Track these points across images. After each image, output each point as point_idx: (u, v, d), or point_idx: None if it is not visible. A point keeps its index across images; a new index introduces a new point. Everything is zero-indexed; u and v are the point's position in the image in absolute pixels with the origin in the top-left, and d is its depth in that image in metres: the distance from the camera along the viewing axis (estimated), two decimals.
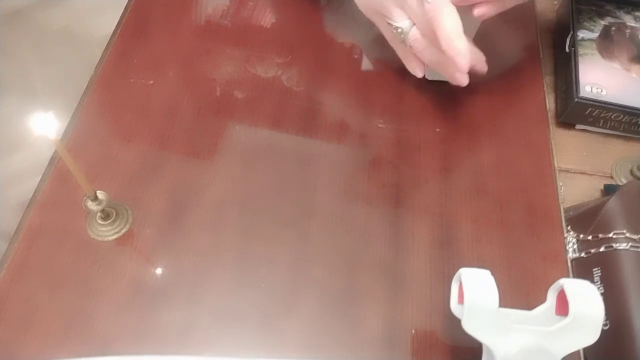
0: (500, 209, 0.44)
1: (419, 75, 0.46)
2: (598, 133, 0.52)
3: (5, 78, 1.44)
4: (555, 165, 0.47)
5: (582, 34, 0.53)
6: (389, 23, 0.43)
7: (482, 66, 0.44)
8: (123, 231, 0.41)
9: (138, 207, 0.42)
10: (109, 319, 0.37)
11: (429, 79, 0.50)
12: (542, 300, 0.34)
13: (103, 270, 0.39)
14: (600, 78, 0.50)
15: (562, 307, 0.33)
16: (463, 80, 0.43)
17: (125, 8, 0.54)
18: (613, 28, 0.54)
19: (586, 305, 0.32)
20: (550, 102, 0.52)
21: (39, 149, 1.30)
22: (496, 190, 0.45)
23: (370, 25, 0.47)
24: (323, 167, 0.45)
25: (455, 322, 0.33)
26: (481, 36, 0.46)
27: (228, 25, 0.54)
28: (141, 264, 0.40)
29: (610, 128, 0.51)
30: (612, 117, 0.49)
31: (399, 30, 0.43)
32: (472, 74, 0.43)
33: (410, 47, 0.43)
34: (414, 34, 0.42)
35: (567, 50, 0.53)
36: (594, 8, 0.56)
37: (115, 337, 0.36)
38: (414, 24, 0.42)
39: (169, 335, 0.37)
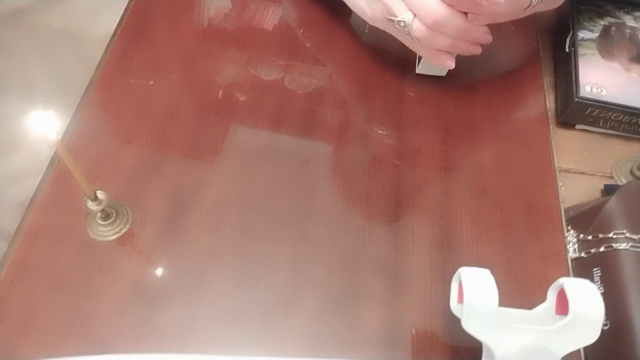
0: (501, 209, 0.44)
1: (452, 66, 0.45)
2: (598, 133, 0.52)
3: (5, 78, 1.44)
4: (556, 165, 0.47)
5: (582, 34, 0.53)
6: (391, 20, 0.43)
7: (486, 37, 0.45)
8: (123, 231, 0.41)
9: (138, 207, 0.42)
10: (109, 319, 0.37)
11: (419, 72, 0.50)
12: (542, 299, 0.34)
13: (103, 270, 0.39)
14: (600, 78, 0.50)
15: (562, 306, 0.33)
16: (477, 49, 0.45)
17: (125, 8, 0.54)
18: (613, 28, 0.54)
19: (586, 304, 0.32)
20: (550, 102, 0.53)
21: (39, 149, 1.30)
22: (496, 190, 0.45)
23: (373, 28, 0.47)
24: (323, 168, 0.45)
25: (455, 321, 0.33)
26: None
27: (229, 26, 0.54)
28: (141, 264, 0.40)
29: (610, 128, 0.51)
30: (612, 117, 0.49)
31: (402, 23, 0.42)
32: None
33: (418, 39, 0.43)
34: (417, 25, 0.42)
35: (567, 50, 0.53)
36: (594, 8, 0.56)
37: (115, 336, 0.36)
38: (415, 16, 0.42)
39: (169, 335, 0.37)
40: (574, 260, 0.42)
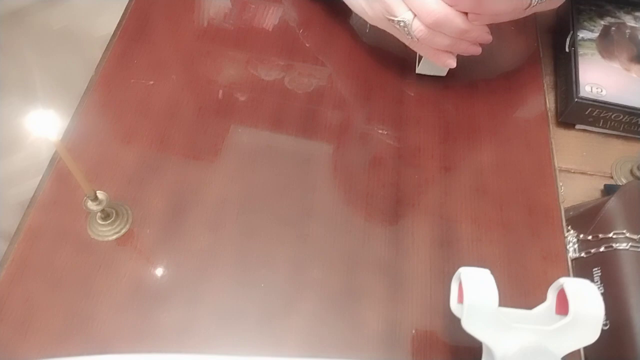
0: (500, 209, 0.44)
1: (453, 65, 0.45)
2: (598, 133, 0.52)
3: (5, 78, 1.44)
4: (556, 165, 0.47)
5: (582, 34, 0.53)
6: (391, 19, 0.43)
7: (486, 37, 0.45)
8: (123, 231, 0.41)
9: (138, 207, 0.42)
10: (109, 319, 0.37)
11: (419, 72, 0.50)
12: (542, 299, 0.34)
13: (103, 270, 0.39)
14: (600, 78, 0.50)
15: (562, 306, 0.33)
16: (477, 49, 0.45)
17: (125, 8, 0.54)
18: (613, 28, 0.54)
19: (586, 304, 0.32)
20: (550, 102, 0.53)
21: (39, 149, 1.30)
22: (496, 190, 0.45)
23: (373, 28, 0.47)
24: (323, 167, 0.45)
25: (455, 321, 0.33)
26: None
27: (229, 26, 0.54)
28: (141, 263, 0.40)
29: (610, 128, 0.51)
30: (612, 117, 0.49)
31: (402, 23, 0.42)
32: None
33: (418, 39, 0.43)
34: (417, 25, 0.42)
35: (567, 50, 0.53)
36: (594, 8, 0.56)
37: (115, 336, 0.36)
38: (415, 16, 0.42)
39: (169, 335, 0.37)
40: (574, 260, 0.42)
